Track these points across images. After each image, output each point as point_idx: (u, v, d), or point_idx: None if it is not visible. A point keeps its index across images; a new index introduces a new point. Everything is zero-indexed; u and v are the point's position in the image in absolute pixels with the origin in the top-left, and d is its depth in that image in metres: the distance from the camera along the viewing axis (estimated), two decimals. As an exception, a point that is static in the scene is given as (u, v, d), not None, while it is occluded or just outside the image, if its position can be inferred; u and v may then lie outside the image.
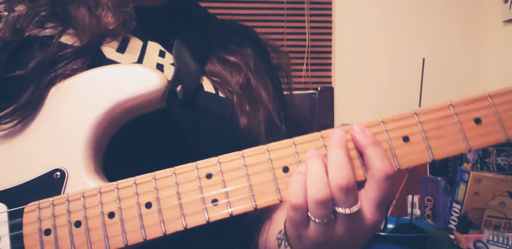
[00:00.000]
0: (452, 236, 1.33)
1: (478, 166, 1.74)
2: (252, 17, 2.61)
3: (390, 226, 1.44)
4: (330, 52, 2.66)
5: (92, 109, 0.60)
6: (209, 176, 0.54)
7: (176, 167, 0.55)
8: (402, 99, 2.52)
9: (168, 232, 0.53)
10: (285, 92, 0.90)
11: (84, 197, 0.56)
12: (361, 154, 0.53)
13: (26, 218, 0.57)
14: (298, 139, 0.55)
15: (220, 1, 2.60)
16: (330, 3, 2.64)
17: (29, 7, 0.68)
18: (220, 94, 0.77)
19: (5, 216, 0.58)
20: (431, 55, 2.49)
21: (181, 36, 0.76)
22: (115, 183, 0.56)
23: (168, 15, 0.80)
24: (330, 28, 2.65)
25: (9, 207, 0.58)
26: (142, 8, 0.75)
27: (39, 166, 0.60)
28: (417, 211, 1.84)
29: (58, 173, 0.59)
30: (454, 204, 1.58)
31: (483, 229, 1.47)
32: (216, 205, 0.53)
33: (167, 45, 0.75)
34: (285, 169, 0.53)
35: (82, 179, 0.59)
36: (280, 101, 0.84)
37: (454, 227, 1.54)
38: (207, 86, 0.76)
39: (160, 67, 0.72)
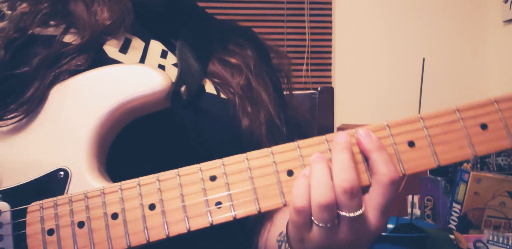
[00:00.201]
0: (452, 236, 1.33)
1: (478, 166, 1.74)
2: (252, 17, 2.61)
3: (390, 226, 1.44)
4: (330, 52, 2.66)
5: (96, 109, 0.60)
6: (213, 178, 0.54)
7: (180, 169, 0.55)
8: (402, 99, 2.52)
9: (171, 234, 0.53)
10: (285, 92, 0.90)
11: (87, 198, 0.56)
12: (366, 159, 0.52)
13: (29, 218, 0.57)
14: (302, 142, 0.54)
15: (220, 1, 2.60)
16: (330, 3, 2.64)
17: (31, 5, 0.68)
18: (222, 95, 0.77)
19: (8, 216, 0.58)
20: (431, 55, 2.49)
21: (183, 36, 0.76)
22: (118, 183, 0.56)
23: (169, 16, 0.80)
24: (330, 28, 2.65)
25: (12, 206, 0.58)
26: (143, 8, 0.75)
27: (43, 165, 0.60)
28: (417, 211, 1.84)
29: (62, 173, 0.59)
30: (454, 204, 1.58)
31: (483, 229, 1.47)
32: (219, 207, 0.53)
33: (169, 46, 0.75)
34: (290, 173, 0.53)
35: (85, 179, 0.59)
36: (280, 103, 0.84)
37: (454, 227, 1.54)
38: (209, 87, 0.76)
39: (161, 68, 0.72)
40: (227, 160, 0.54)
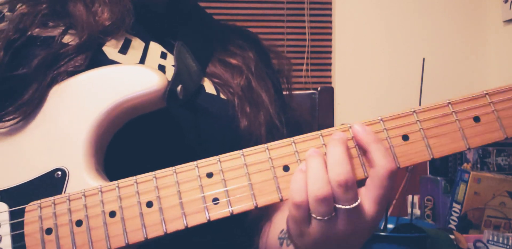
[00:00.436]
0: (452, 236, 1.33)
1: (478, 166, 1.75)
2: (252, 17, 2.61)
3: (390, 226, 1.44)
4: (330, 52, 2.66)
5: (93, 109, 0.61)
6: (209, 174, 0.54)
7: (176, 166, 0.55)
8: (402, 99, 2.52)
9: (169, 231, 0.53)
10: (285, 93, 0.90)
11: (85, 196, 0.56)
12: (361, 153, 0.53)
13: (27, 217, 0.57)
14: (298, 138, 0.55)
15: (220, 1, 2.60)
16: (330, 3, 2.64)
17: (30, 6, 0.68)
18: (222, 96, 0.77)
19: (6, 216, 0.58)
20: (431, 55, 2.49)
21: (183, 37, 0.76)
22: (116, 182, 0.56)
23: (169, 16, 0.80)
24: (330, 28, 2.65)
25: (10, 207, 0.58)
26: (143, 9, 0.75)
27: (40, 165, 0.60)
28: (417, 211, 1.84)
29: (59, 173, 0.59)
30: (454, 204, 1.58)
31: (483, 229, 1.47)
32: (216, 203, 0.53)
33: (169, 47, 0.75)
34: (286, 168, 0.54)
35: (83, 178, 0.59)
36: (280, 104, 0.84)
37: (454, 227, 1.54)
38: (209, 87, 0.76)
39: (162, 68, 0.72)
40: (223, 156, 0.55)
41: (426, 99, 2.24)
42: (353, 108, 2.55)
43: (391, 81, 2.60)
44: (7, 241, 0.57)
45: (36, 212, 0.57)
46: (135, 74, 0.61)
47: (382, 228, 1.40)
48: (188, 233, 0.54)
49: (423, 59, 2.18)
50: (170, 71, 0.71)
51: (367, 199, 0.52)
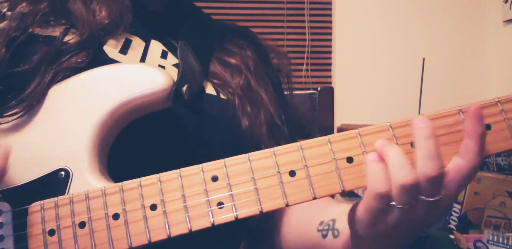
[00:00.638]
0: (452, 236, 1.33)
1: (478, 166, 1.74)
2: (252, 17, 2.61)
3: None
4: (330, 52, 2.66)
5: (97, 108, 0.60)
6: (215, 178, 0.54)
7: (181, 169, 0.55)
8: (402, 99, 2.52)
9: (173, 235, 0.53)
10: (285, 93, 0.90)
11: (88, 198, 0.55)
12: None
13: (30, 218, 0.57)
14: (304, 143, 0.54)
15: (220, 1, 2.60)
16: (330, 3, 2.64)
17: (30, 4, 0.68)
18: (222, 96, 0.77)
19: (9, 216, 0.58)
20: (431, 55, 2.49)
21: (184, 37, 0.76)
22: (120, 184, 0.55)
23: (169, 16, 0.80)
24: (330, 28, 2.65)
25: (13, 207, 0.58)
26: (142, 8, 0.75)
27: (44, 165, 0.60)
28: (417, 211, 1.84)
29: (63, 173, 0.59)
30: (454, 204, 1.58)
31: (483, 229, 1.47)
32: (221, 208, 0.53)
33: (169, 47, 0.75)
34: (292, 173, 0.53)
35: (86, 179, 0.58)
36: (281, 103, 0.84)
37: (454, 227, 1.54)
38: (208, 88, 0.76)
39: (162, 68, 0.72)
40: (228, 160, 0.54)
41: (426, 99, 2.24)
42: (353, 108, 2.55)
43: (391, 81, 2.60)
44: (10, 242, 0.56)
45: (39, 213, 0.56)
46: (140, 73, 0.61)
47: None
48: (192, 236, 0.54)
49: (423, 59, 2.18)
50: (171, 71, 0.71)
51: (450, 189, 0.51)
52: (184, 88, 0.65)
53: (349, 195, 1.89)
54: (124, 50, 0.70)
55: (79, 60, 0.64)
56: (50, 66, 0.63)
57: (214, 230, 0.53)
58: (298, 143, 0.54)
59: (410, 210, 0.50)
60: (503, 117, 0.52)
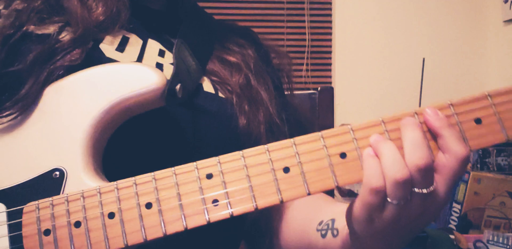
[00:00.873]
0: (452, 236, 1.33)
1: (478, 166, 1.74)
2: (252, 17, 2.61)
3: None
4: (330, 52, 2.66)
5: (91, 108, 0.60)
6: (209, 176, 0.54)
7: (176, 167, 0.55)
8: (402, 99, 2.52)
9: (168, 233, 0.53)
10: (286, 93, 0.90)
11: (83, 197, 0.55)
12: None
13: (25, 219, 0.56)
14: (298, 139, 0.54)
15: (220, 1, 2.60)
16: (330, 3, 2.64)
17: (25, 1, 0.68)
18: (220, 94, 0.77)
19: (4, 216, 0.57)
20: (431, 55, 2.49)
21: (182, 35, 0.76)
22: (115, 183, 0.55)
23: (168, 14, 0.80)
24: (330, 28, 2.65)
25: (8, 207, 0.58)
26: (139, 5, 0.75)
27: (38, 165, 0.60)
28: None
29: (57, 173, 0.59)
30: (454, 204, 1.58)
31: (483, 229, 1.47)
32: (216, 205, 0.53)
33: (167, 44, 0.75)
34: (286, 170, 0.53)
35: (81, 178, 0.58)
36: (281, 102, 0.84)
37: (454, 227, 1.54)
38: (207, 86, 0.76)
39: (159, 66, 0.71)
40: (223, 157, 0.54)
41: (426, 99, 2.24)
42: (353, 108, 2.55)
43: (391, 81, 2.60)
44: (5, 243, 0.56)
45: (34, 213, 0.56)
46: (133, 73, 0.61)
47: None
48: (188, 233, 0.54)
49: (423, 59, 2.18)
50: (168, 69, 0.71)
51: (441, 184, 0.51)
52: (178, 87, 0.64)
53: (349, 194, 1.89)
54: (121, 48, 0.70)
55: (73, 58, 0.64)
56: (44, 65, 0.63)
57: (212, 230, 0.53)
58: (291, 139, 0.54)
59: (405, 205, 0.50)
60: (494, 111, 0.52)
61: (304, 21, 2.64)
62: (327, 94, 1.29)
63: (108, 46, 0.69)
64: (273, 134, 0.77)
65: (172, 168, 0.55)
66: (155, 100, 0.61)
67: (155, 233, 0.53)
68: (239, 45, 0.85)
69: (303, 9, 2.63)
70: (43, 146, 0.61)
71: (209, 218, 0.52)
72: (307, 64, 2.63)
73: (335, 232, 0.64)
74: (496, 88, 0.53)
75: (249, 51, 0.84)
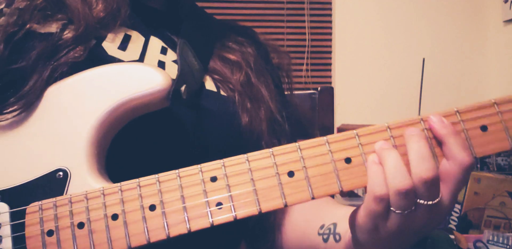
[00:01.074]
0: (452, 236, 1.33)
1: (478, 166, 1.75)
2: (252, 17, 2.61)
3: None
4: (330, 52, 2.66)
5: (95, 108, 0.60)
6: (213, 179, 0.54)
7: (180, 169, 0.55)
8: (402, 99, 2.52)
9: (171, 235, 0.53)
10: (286, 92, 0.90)
11: (87, 199, 0.55)
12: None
13: (28, 219, 0.56)
14: (303, 143, 0.54)
15: (220, 1, 2.60)
16: (330, 3, 2.64)
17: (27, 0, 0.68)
18: (222, 92, 0.77)
19: (7, 217, 0.57)
20: (431, 55, 2.49)
21: (184, 35, 0.76)
22: (118, 184, 0.55)
23: (169, 12, 0.80)
24: (330, 28, 2.65)
25: (10, 207, 0.58)
26: (139, 2, 0.75)
27: (42, 166, 0.60)
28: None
29: (61, 173, 0.59)
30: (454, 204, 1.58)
31: (483, 229, 1.47)
32: (220, 208, 0.53)
33: (169, 42, 0.75)
34: (290, 174, 0.53)
35: (85, 179, 0.58)
36: (281, 99, 0.84)
37: (454, 227, 1.54)
38: (209, 84, 0.76)
39: (161, 64, 0.72)
40: (227, 160, 0.54)
41: (426, 99, 2.24)
42: (353, 108, 2.55)
43: (391, 81, 2.60)
44: (8, 243, 0.56)
45: (37, 214, 0.56)
46: (139, 73, 0.60)
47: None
48: (191, 235, 0.54)
49: (423, 59, 2.18)
50: (170, 67, 0.71)
51: (446, 193, 0.51)
52: (183, 88, 0.64)
53: (349, 195, 1.89)
54: (123, 45, 0.70)
55: (76, 54, 0.64)
56: (48, 62, 0.63)
57: (213, 231, 0.53)
58: (296, 143, 0.54)
59: (410, 215, 0.50)
60: (500, 119, 0.53)
61: (304, 21, 2.64)
62: (327, 94, 1.30)
63: (110, 44, 0.69)
64: (274, 131, 0.77)
65: (176, 170, 0.55)
66: (160, 101, 0.61)
67: (158, 235, 0.53)
68: (239, 43, 0.85)
69: (303, 9, 2.63)
70: (46, 146, 0.61)
71: (212, 221, 0.52)
72: (307, 64, 2.63)
73: (337, 237, 0.64)
74: (502, 96, 0.53)
75: (249, 49, 0.85)
